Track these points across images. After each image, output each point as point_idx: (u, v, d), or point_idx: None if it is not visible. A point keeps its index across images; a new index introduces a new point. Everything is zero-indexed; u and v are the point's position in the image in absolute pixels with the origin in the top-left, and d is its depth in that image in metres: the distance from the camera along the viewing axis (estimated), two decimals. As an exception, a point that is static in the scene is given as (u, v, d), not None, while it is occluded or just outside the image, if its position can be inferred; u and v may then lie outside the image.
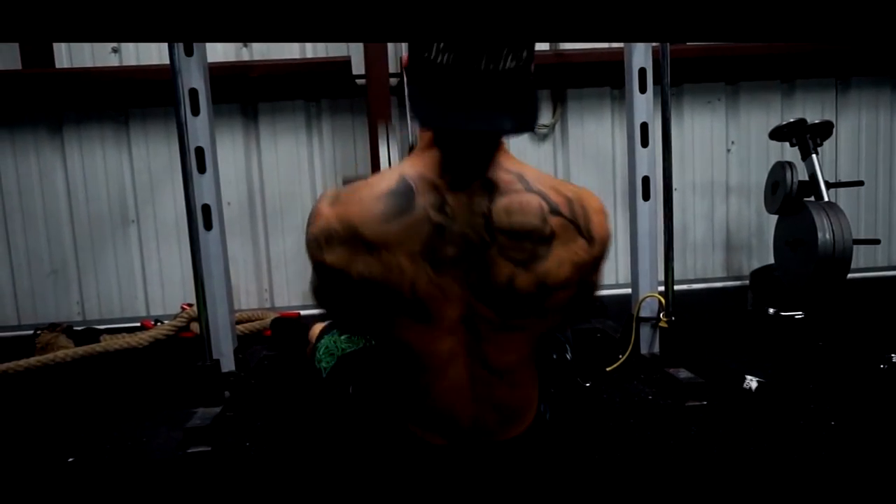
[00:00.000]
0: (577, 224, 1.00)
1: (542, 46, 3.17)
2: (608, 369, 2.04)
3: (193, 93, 1.93)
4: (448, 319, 0.98)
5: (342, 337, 1.40)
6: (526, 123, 0.95)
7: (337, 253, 0.99)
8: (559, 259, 0.98)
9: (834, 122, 2.88)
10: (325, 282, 1.05)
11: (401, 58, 2.84)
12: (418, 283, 0.96)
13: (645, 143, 2.06)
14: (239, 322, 2.81)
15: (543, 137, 3.29)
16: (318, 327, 1.62)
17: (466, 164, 0.99)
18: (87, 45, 3.03)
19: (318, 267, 1.03)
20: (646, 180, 2.08)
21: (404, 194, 0.96)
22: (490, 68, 0.89)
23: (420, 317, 0.98)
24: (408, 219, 0.95)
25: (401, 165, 1.03)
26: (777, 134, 2.75)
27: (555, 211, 0.98)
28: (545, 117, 3.26)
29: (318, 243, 1.01)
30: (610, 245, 1.06)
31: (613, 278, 3.29)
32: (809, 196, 2.60)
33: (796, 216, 2.56)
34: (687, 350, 2.05)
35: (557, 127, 3.29)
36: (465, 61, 0.88)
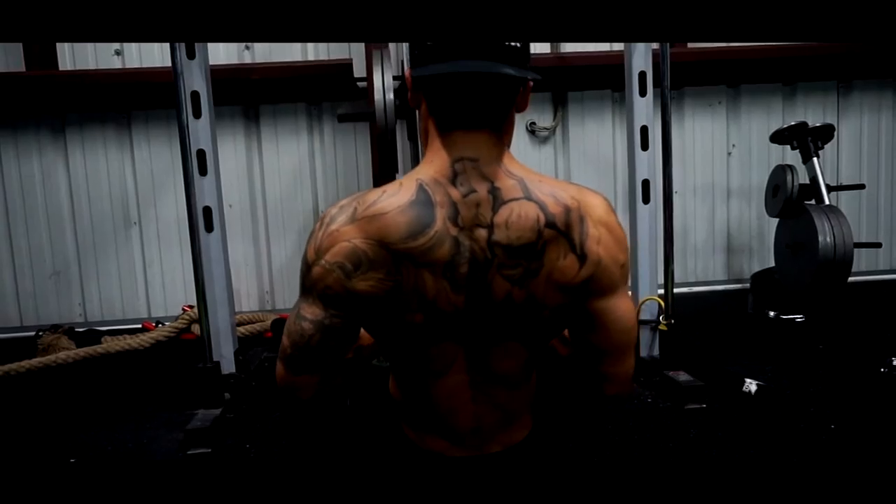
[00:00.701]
0: (570, 238, 0.92)
1: (542, 49, 3.18)
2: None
3: (195, 95, 1.93)
4: (453, 332, 0.98)
5: None
6: (528, 72, 0.91)
7: (371, 279, 0.90)
8: (545, 277, 0.92)
9: (835, 125, 2.88)
10: (348, 317, 0.94)
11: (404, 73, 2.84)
12: (439, 302, 0.92)
13: (645, 147, 2.07)
14: (240, 324, 2.81)
15: (544, 140, 3.29)
16: None
17: (470, 119, 0.94)
18: (89, 47, 3.04)
19: (340, 299, 0.92)
20: (646, 183, 2.08)
21: (426, 205, 0.91)
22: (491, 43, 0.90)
23: (430, 334, 0.96)
24: (431, 234, 0.89)
25: (415, 171, 0.97)
26: (778, 137, 2.75)
27: (550, 223, 0.92)
28: (546, 120, 3.27)
29: (345, 271, 0.90)
30: (612, 266, 0.94)
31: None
32: (810, 199, 2.60)
33: (797, 219, 2.56)
34: (687, 353, 2.05)
35: (558, 129, 3.29)
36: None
